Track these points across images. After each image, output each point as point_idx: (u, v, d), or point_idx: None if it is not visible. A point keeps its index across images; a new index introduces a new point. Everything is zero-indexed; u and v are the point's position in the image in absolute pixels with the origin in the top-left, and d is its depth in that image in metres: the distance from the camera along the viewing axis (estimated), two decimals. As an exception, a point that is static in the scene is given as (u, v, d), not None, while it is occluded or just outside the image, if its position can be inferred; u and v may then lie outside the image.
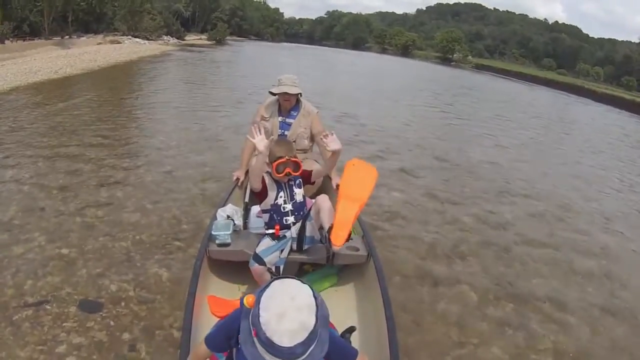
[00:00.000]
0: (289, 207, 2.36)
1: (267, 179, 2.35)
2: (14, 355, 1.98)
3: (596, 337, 2.73)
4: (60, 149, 5.10)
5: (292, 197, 2.38)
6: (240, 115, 8.07)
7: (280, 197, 2.35)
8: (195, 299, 1.94)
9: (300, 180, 2.43)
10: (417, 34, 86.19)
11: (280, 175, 2.29)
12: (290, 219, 2.36)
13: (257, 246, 2.33)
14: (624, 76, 60.55)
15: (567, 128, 14.24)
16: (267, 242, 2.31)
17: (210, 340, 1.37)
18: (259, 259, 2.23)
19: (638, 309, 3.15)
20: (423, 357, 2.29)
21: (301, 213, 2.41)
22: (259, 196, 2.40)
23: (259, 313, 1.07)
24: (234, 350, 1.36)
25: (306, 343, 1.05)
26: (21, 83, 9.81)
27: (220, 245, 2.38)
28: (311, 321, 1.06)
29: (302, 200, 2.42)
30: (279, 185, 2.36)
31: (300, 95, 3.17)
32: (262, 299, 1.08)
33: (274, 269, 2.24)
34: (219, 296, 2.29)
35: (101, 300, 2.43)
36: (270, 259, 2.24)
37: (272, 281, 1.14)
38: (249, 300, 1.14)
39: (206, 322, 1.92)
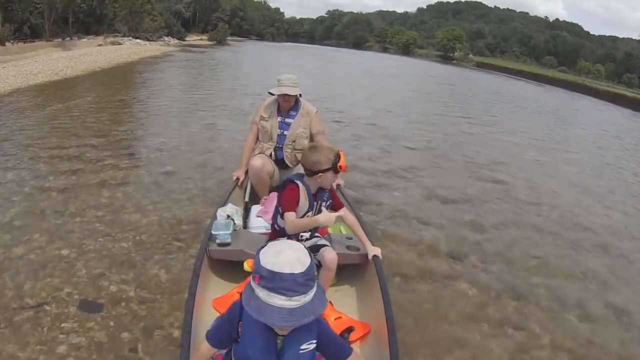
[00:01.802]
0: None
1: (303, 193, 2.23)
2: (14, 356, 1.98)
3: (596, 336, 2.71)
4: (61, 150, 5.11)
5: None
6: (240, 115, 8.07)
7: (308, 216, 2.27)
8: (195, 298, 1.94)
9: (331, 202, 2.36)
10: (418, 32, 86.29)
11: (344, 169, 2.20)
12: (306, 234, 2.34)
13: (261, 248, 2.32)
14: (625, 73, 60.37)
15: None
16: None
17: (211, 335, 1.39)
18: None
19: (639, 308, 3.13)
20: (423, 357, 2.28)
21: (317, 229, 2.39)
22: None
23: (259, 259, 1.18)
24: (233, 346, 1.38)
25: (307, 274, 1.14)
26: (22, 85, 9.84)
27: (220, 244, 2.38)
28: (307, 260, 1.17)
29: None
30: (311, 204, 2.26)
31: (300, 96, 3.17)
32: (261, 252, 1.21)
33: None
34: (218, 296, 2.29)
35: (101, 300, 2.43)
36: None
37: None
38: (249, 263, 1.21)
39: (206, 322, 1.92)
